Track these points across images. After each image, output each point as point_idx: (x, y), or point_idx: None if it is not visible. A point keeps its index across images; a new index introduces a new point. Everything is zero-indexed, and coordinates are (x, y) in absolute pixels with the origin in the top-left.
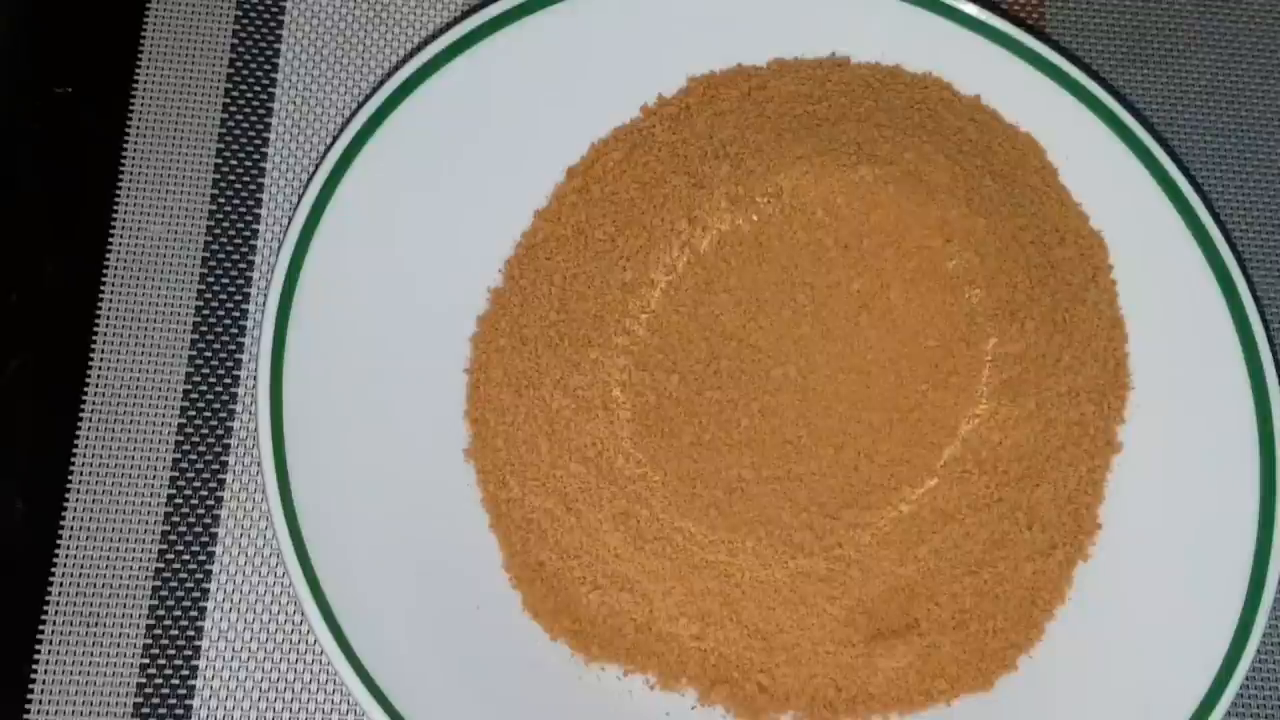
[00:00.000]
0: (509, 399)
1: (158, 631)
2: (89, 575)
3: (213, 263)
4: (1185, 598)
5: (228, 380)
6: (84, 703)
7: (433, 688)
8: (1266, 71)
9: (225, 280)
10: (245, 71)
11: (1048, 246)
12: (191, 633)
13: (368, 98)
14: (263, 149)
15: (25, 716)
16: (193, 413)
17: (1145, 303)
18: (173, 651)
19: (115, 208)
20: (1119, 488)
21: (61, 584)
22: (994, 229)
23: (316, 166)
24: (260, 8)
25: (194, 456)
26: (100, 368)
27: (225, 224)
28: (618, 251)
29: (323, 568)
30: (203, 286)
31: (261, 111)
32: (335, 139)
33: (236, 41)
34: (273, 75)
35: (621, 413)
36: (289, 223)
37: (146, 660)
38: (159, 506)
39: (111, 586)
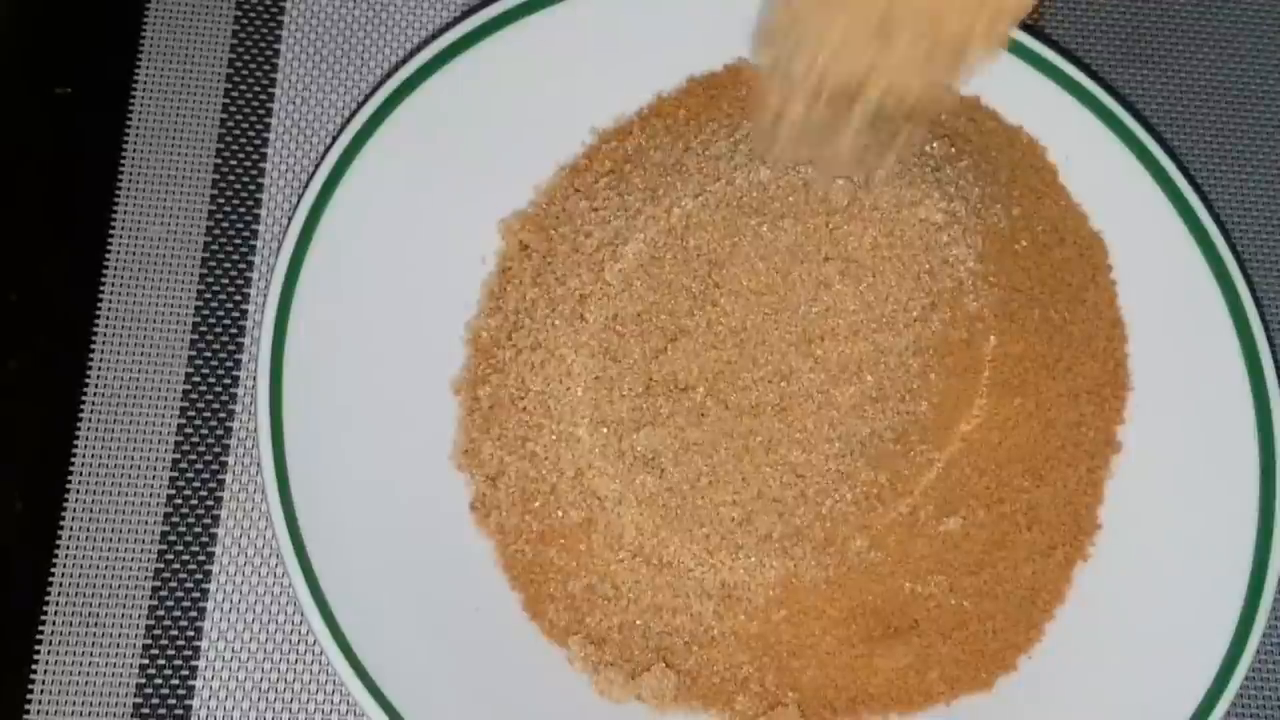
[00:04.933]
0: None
1: (157, 632)
2: (89, 575)
3: (212, 263)
4: (1185, 598)
5: (227, 380)
6: (84, 703)
7: (433, 688)
8: (1266, 71)
9: (225, 280)
10: (245, 71)
11: (1048, 246)
12: (191, 633)
13: (368, 98)
14: (263, 149)
15: (25, 716)
16: (192, 413)
17: (1145, 303)
18: (172, 652)
19: (115, 208)
20: (1119, 488)
21: (61, 584)
22: (993, 229)
23: (316, 166)
24: (260, 8)
25: (194, 457)
26: (100, 368)
27: (225, 224)
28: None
29: (322, 568)
30: (202, 287)
31: (261, 111)
32: (335, 139)
33: (236, 41)
34: (273, 75)
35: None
36: (289, 223)
37: (146, 660)
38: (159, 506)
39: (111, 586)
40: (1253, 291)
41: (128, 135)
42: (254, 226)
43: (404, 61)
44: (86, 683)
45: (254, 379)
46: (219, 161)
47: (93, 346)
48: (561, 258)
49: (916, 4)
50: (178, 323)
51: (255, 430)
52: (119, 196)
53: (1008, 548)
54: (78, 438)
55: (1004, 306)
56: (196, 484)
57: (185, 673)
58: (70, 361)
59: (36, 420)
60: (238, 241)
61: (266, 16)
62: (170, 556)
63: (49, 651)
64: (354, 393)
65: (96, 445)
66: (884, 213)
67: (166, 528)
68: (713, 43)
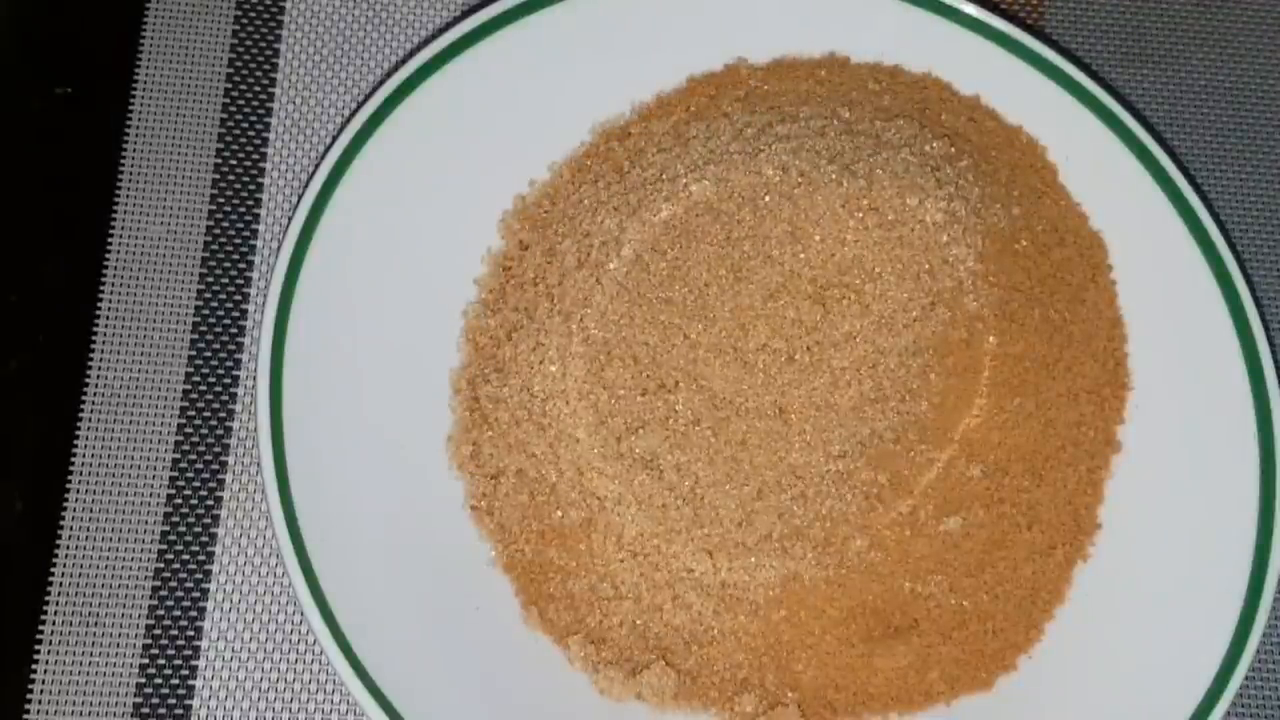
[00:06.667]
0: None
1: (157, 631)
2: (89, 575)
3: (212, 263)
4: (1185, 598)
5: (228, 380)
6: (84, 703)
7: (433, 688)
8: (1266, 71)
9: (225, 280)
10: (245, 71)
11: (1048, 246)
12: (191, 633)
13: (367, 98)
14: (263, 149)
15: (25, 716)
16: (192, 413)
17: (1145, 303)
18: (172, 651)
19: (115, 208)
20: (1119, 488)
21: (61, 584)
22: (994, 229)
23: (316, 166)
24: (260, 8)
25: (194, 456)
26: (100, 368)
27: (225, 224)
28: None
29: (322, 568)
30: (202, 286)
31: (261, 111)
32: (335, 139)
33: (236, 41)
34: (272, 75)
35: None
36: (289, 223)
37: (146, 660)
38: (159, 506)
39: (111, 586)
40: (1253, 291)
41: (128, 135)
42: (254, 226)
43: (404, 61)
44: (86, 683)
45: (254, 379)
46: (219, 161)
47: (93, 346)
48: (561, 257)
49: None
50: (178, 323)
51: (255, 430)
52: (119, 196)
53: (1008, 548)
54: (78, 438)
55: (1004, 306)
56: (196, 484)
57: (185, 673)
58: (70, 361)
59: (36, 420)
60: (238, 241)
61: (266, 16)
62: (170, 556)
63: (49, 651)
64: (354, 393)
65: (96, 445)
66: (884, 213)
67: (166, 528)
68: (713, 43)
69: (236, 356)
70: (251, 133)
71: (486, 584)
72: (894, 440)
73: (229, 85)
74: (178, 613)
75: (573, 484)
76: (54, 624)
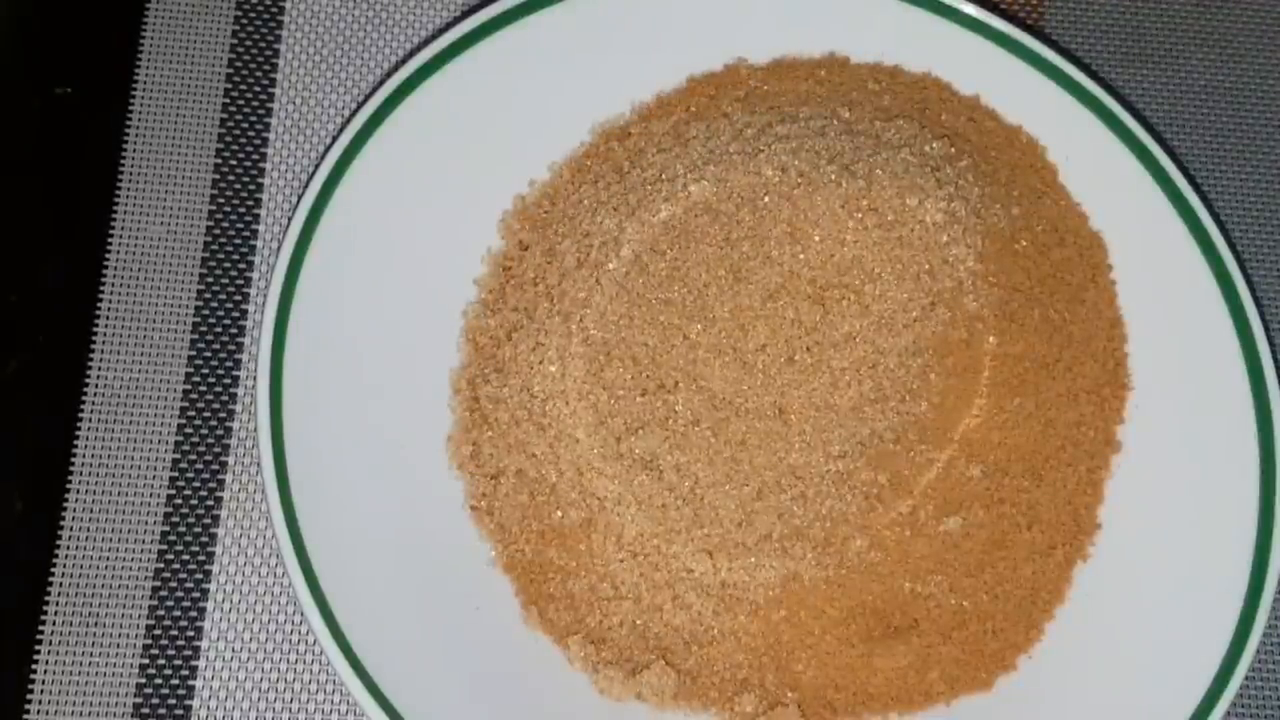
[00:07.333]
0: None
1: (157, 632)
2: (89, 575)
3: (212, 263)
4: (1185, 598)
5: (227, 380)
6: (84, 703)
7: (432, 687)
8: (1266, 71)
9: (225, 280)
10: (245, 71)
11: (1047, 246)
12: (191, 633)
13: (367, 98)
14: (262, 149)
15: (25, 716)
16: (192, 413)
17: (1145, 303)
18: (172, 652)
19: (115, 208)
20: (1119, 488)
21: (61, 584)
22: (993, 229)
23: (316, 166)
24: (260, 8)
25: (194, 457)
26: (100, 368)
27: (225, 224)
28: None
29: (323, 568)
30: (202, 287)
31: (261, 112)
32: (335, 139)
33: (236, 41)
34: (272, 75)
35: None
36: (289, 223)
37: (146, 660)
38: (159, 506)
39: (111, 586)
40: (1253, 291)
41: (128, 135)
42: (254, 226)
43: (404, 61)
44: (86, 683)
45: (254, 379)
46: (219, 161)
47: (93, 346)
48: (561, 257)
49: None
50: (178, 323)
51: (255, 430)
52: (119, 196)
53: (1008, 548)
54: (78, 438)
55: (1004, 306)
56: (196, 484)
57: (185, 673)
58: (70, 361)
59: (36, 420)
60: (238, 241)
61: (266, 16)
62: (170, 556)
63: (49, 651)
64: (354, 393)
65: (96, 445)
66: (883, 213)
67: (166, 528)
68: (713, 43)
69: (236, 356)
70: (251, 133)
71: (486, 584)
72: (894, 440)
73: (229, 85)
74: (178, 613)
75: (573, 484)
76: (54, 624)
